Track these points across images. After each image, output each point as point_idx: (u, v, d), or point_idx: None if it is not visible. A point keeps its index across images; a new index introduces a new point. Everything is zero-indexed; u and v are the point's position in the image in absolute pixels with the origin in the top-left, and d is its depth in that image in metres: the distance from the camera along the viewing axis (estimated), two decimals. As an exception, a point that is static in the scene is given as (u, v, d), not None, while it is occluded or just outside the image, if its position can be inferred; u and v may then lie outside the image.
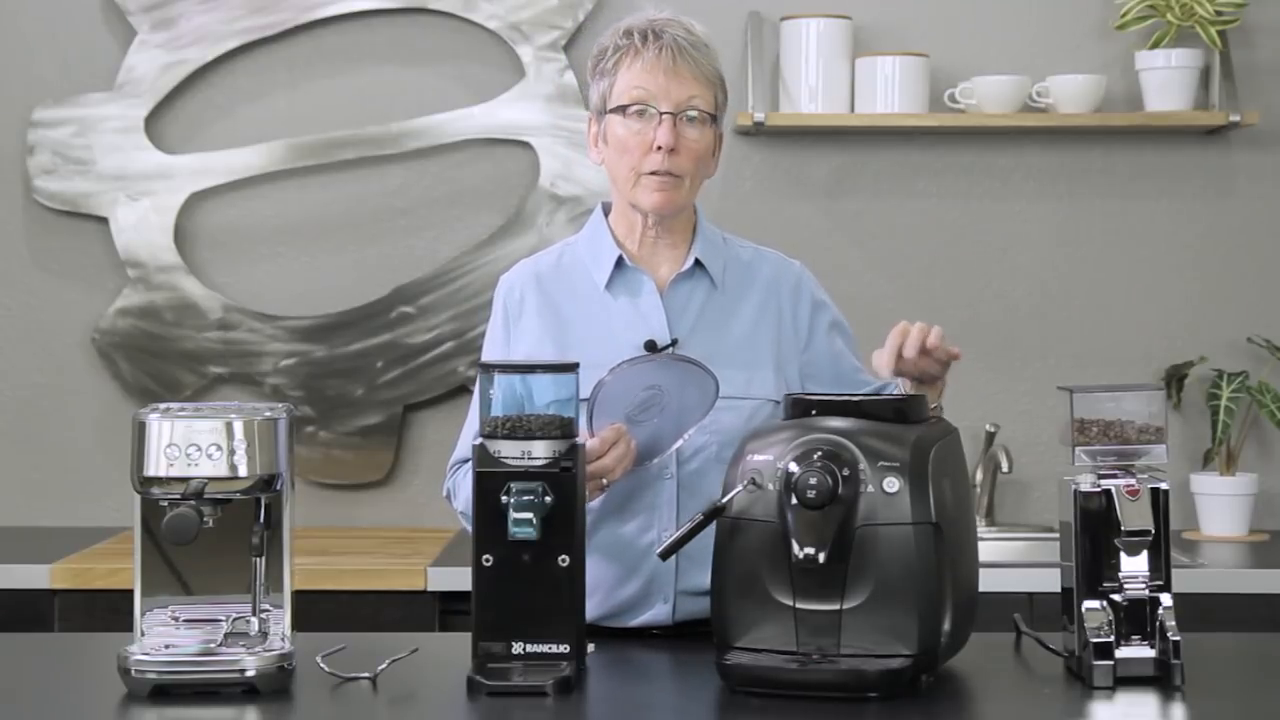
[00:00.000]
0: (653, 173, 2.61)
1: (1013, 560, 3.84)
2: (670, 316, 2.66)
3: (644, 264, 2.69)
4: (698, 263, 2.69)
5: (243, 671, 2.23)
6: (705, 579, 2.34)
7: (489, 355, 2.72)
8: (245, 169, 4.14)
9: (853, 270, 4.12)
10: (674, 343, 2.63)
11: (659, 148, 2.59)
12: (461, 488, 2.60)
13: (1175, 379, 4.04)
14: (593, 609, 2.53)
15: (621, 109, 2.61)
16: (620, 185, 2.66)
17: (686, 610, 2.60)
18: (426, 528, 4.08)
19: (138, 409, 2.29)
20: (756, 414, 2.60)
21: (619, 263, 2.67)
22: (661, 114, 2.59)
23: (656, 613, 2.62)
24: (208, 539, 2.25)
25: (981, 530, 3.90)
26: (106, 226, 4.12)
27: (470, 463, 2.42)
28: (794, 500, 2.21)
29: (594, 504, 2.52)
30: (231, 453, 2.23)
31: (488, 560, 2.28)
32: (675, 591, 2.61)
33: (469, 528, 2.37)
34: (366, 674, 2.29)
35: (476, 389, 2.50)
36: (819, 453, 2.23)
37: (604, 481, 2.48)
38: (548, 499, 2.26)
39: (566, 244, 2.77)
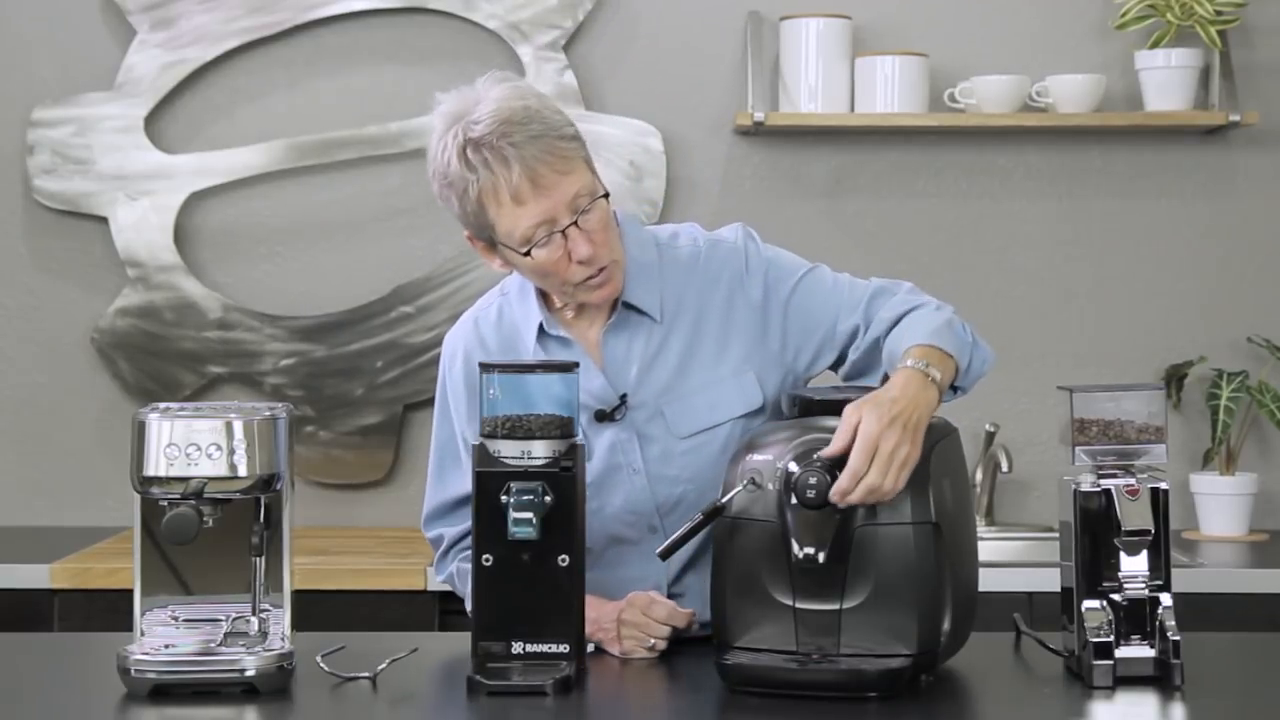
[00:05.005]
0: (586, 279, 2.44)
1: (1012, 560, 3.84)
2: (611, 373, 2.51)
3: (571, 324, 2.54)
4: (628, 305, 2.52)
5: (242, 671, 2.23)
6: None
7: (452, 430, 2.60)
8: (245, 169, 4.13)
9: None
10: (623, 399, 2.50)
11: (581, 262, 2.41)
12: (463, 582, 2.50)
13: (1175, 379, 4.04)
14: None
15: (521, 250, 2.40)
16: (556, 297, 2.50)
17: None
18: (426, 528, 4.08)
19: (137, 409, 2.29)
20: (732, 435, 2.48)
21: (541, 330, 2.52)
22: (565, 230, 2.38)
23: None
24: (207, 539, 2.25)
25: (981, 530, 3.90)
26: (106, 226, 4.12)
27: (463, 544, 2.47)
28: (794, 500, 2.21)
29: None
30: (231, 452, 2.23)
31: (488, 560, 2.28)
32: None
33: (467, 602, 2.38)
34: (366, 674, 2.29)
35: (436, 417, 2.58)
36: (819, 452, 2.23)
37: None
38: (547, 499, 2.26)
39: (503, 295, 2.60)
